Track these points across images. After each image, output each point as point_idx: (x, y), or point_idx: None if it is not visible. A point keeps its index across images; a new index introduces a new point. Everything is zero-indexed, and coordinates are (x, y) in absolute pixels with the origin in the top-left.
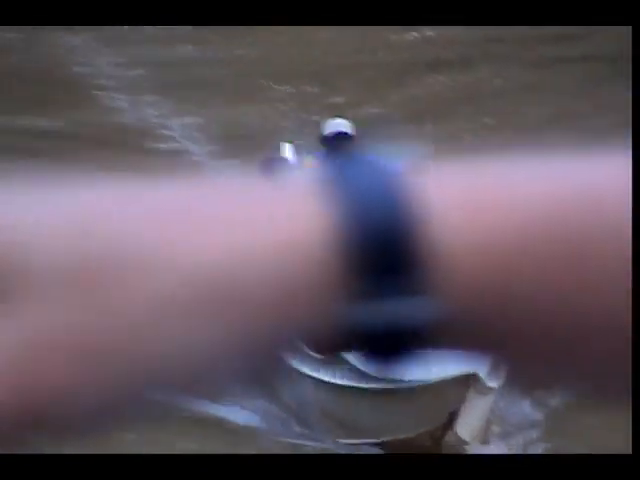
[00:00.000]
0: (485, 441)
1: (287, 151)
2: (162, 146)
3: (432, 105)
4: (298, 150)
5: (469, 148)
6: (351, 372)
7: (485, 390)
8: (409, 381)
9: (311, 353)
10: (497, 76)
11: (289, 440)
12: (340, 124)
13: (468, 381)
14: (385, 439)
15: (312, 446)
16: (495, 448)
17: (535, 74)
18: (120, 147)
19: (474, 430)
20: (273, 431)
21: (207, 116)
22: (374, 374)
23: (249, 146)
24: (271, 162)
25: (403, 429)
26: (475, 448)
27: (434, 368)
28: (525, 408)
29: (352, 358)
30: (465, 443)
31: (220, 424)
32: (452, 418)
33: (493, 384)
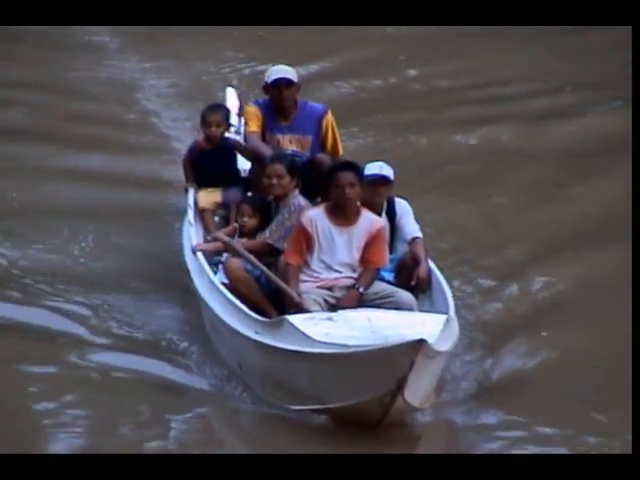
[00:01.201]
0: (433, 405)
1: (232, 95)
2: None
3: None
4: (241, 95)
5: None
6: (295, 335)
7: (434, 354)
8: (355, 346)
9: (253, 315)
10: None
11: (236, 405)
12: (284, 70)
13: (416, 347)
14: (331, 405)
15: (257, 410)
16: (443, 413)
17: None
18: None
19: (423, 395)
20: (220, 395)
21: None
22: (319, 338)
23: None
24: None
25: (349, 395)
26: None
27: (382, 333)
28: (477, 374)
29: (297, 321)
30: (414, 409)
31: (168, 385)
32: (400, 384)
33: (443, 348)
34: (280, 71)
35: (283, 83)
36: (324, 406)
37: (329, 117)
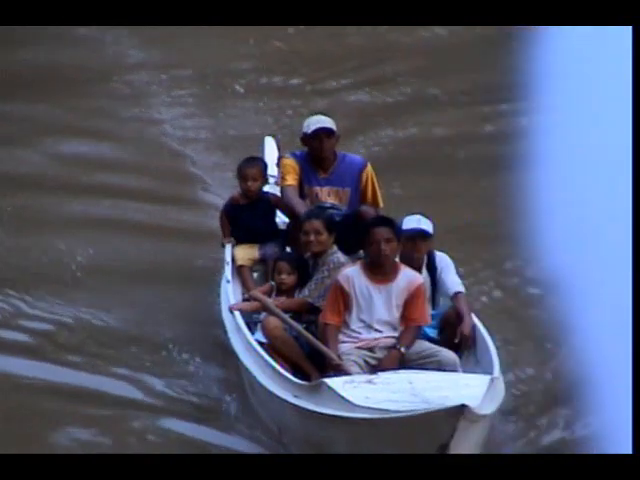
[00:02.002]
0: None
1: (270, 145)
2: None
3: None
4: (280, 145)
5: None
6: (334, 400)
7: (477, 418)
8: (396, 412)
9: (291, 377)
10: None
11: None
12: (323, 120)
13: (458, 413)
14: None
15: None
16: None
17: None
18: None
19: None
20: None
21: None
22: (359, 402)
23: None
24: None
25: None
26: None
27: (423, 397)
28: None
29: (337, 385)
30: None
31: (205, 448)
32: (443, 450)
33: (487, 410)
34: (320, 121)
35: (324, 133)
36: None
37: (369, 169)
